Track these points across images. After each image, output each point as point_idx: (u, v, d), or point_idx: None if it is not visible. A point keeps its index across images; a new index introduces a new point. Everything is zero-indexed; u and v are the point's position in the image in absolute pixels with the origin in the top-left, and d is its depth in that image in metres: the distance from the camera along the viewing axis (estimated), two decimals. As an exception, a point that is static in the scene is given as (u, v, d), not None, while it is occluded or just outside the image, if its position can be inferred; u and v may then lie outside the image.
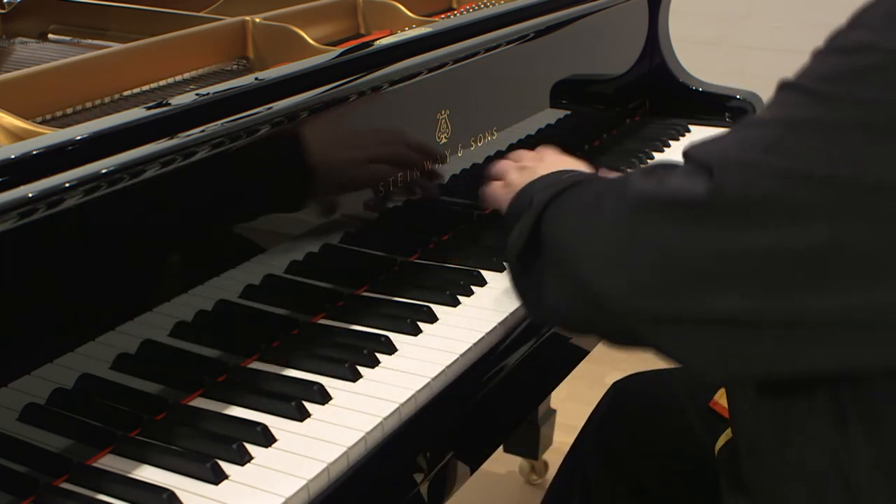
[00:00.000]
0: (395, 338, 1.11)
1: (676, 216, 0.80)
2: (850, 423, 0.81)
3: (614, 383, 1.46)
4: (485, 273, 1.26)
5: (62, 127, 0.95)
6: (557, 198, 0.97)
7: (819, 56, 0.82)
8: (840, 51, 0.80)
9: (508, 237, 1.02)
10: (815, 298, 0.75)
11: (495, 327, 1.15)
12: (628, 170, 0.94)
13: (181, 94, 1.03)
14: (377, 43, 1.26)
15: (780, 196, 0.75)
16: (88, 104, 1.14)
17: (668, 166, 0.86)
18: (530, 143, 1.55)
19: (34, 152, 0.87)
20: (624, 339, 0.93)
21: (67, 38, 1.45)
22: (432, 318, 1.16)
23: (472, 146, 1.40)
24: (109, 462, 0.93)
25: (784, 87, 0.83)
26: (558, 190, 0.98)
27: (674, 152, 1.73)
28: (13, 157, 0.86)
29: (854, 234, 0.73)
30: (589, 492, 1.39)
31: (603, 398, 1.46)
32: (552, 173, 1.09)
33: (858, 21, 0.80)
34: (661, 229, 0.81)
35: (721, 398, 1.18)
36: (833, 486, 0.84)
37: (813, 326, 0.77)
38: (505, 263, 1.05)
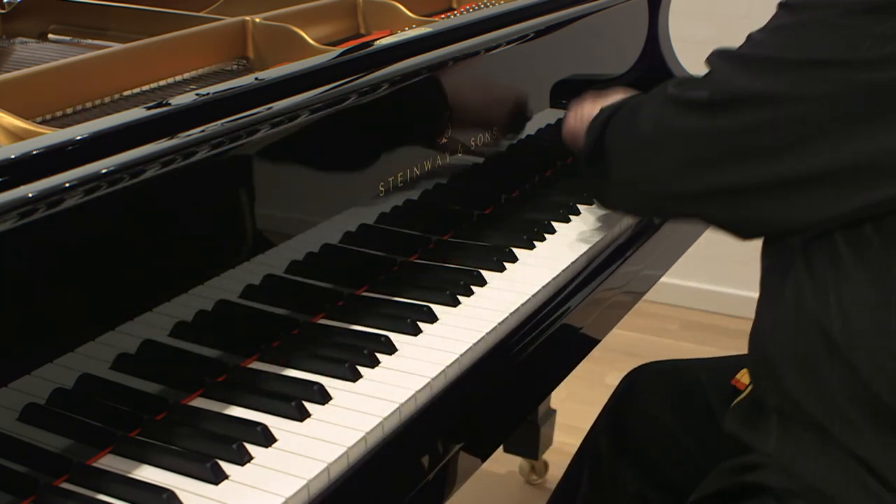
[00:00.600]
0: (395, 338, 1.11)
1: (691, 113, 1.04)
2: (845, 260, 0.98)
3: (630, 372, 1.47)
4: (485, 273, 1.26)
5: (62, 127, 0.95)
6: (617, 111, 1.20)
7: None
8: None
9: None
10: (809, 157, 0.96)
11: (495, 327, 1.15)
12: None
13: (181, 94, 1.03)
14: (377, 43, 1.26)
15: (760, 85, 0.98)
16: (88, 104, 1.14)
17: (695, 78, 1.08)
18: (530, 142, 1.55)
19: (34, 152, 0.87)
20: (669, 214, 1.27)
21: (67, 38, 1.45)
22: (432, 318, 1.16)
23: (472, 146, 1.40)
24: (109, 462, 0.93)
25: (778, 5, 1.03)
26: (619, 105, 1.21)
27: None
28: (13, 157, 0.86)
29: (809, 105, 0.95)
30: (599, 470, 1.41)
31: (620, 383, 1.47)
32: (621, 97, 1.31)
33: None
34: (683, 125, 1.05)
35: (743, 376, 1.23)
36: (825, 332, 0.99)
37: (818, 180, 0.96)
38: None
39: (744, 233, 1.08)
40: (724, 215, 1.06)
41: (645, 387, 1.44)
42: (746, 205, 1.03)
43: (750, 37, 1.03)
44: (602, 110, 1.24)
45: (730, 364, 1.30)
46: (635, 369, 1.49)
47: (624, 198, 1.21)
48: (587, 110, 1.34)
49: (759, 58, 1.00)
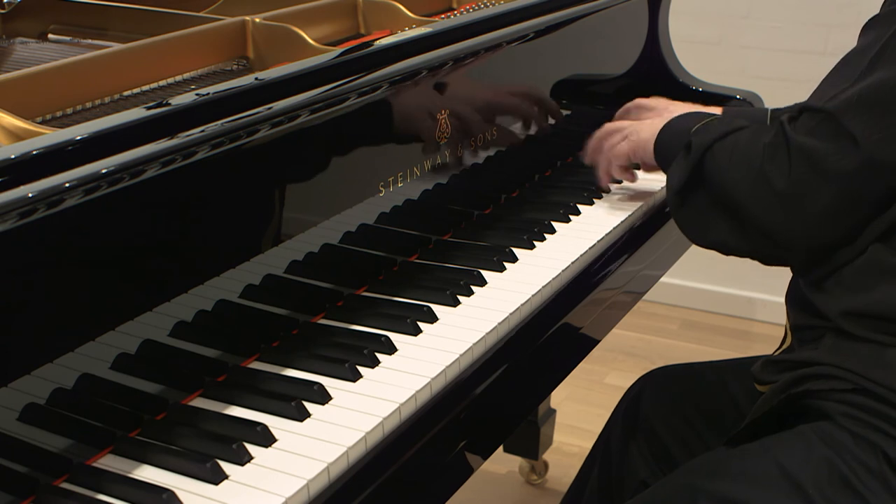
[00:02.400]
0: (395, 338, 1.11)
1: (835, 180, 1.07)
2: None
3: (648, 372, 1.50)
4: (485, 273, 1.26)
5: (62, 127, 0.95)
6: (720, 142, 1.18)
7: None
8: None
9: (668, 173, 1.26)
10: None
11: (495, 327, 1.15)
12: (781, 116, 1.16)
13: (181, 94, 1.03)
14: (377, 43, 1.26)
15: None
16: (88, 104, 1.14)
17: (818, 116, 1.09)
18: (530, 142, 1.55)
19: (34, 152, 0.87)
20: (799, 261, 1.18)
21: (67, 38, 1.45)
22: (432, 318, 1.16)
23: (472, 146, 1.41)
24: (109, 462, 0.93)
25: (864, 28, 1.12)
26: (720, 134, 1.19)
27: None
28: (13, 157, 0.86)
29: None
30: (609, 458, 1.42)
31: (634, 383, 1.49)
32: (695, 113, 1.35)
33: None
34: (826, 188, 1.07)
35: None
36: None
37: None
38: (668, 196, 1.25)
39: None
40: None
41: (659, 384, 1.46)
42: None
43: (870, 75, 1.07)
44: (677, 129, 1.28)
45: (751, 363, 1.31)
46: (649, 372, 1.50)
47: (742, 245, 1.18)
48: (630, 126, 1.41)
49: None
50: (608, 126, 1.50)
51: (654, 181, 1.56)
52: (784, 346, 1.23)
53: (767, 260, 1.19)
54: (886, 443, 1.04)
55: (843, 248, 1.11)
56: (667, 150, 1.32)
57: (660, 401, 1.43)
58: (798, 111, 1.12)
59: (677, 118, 1.35)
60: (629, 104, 1.60)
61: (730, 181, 1.15)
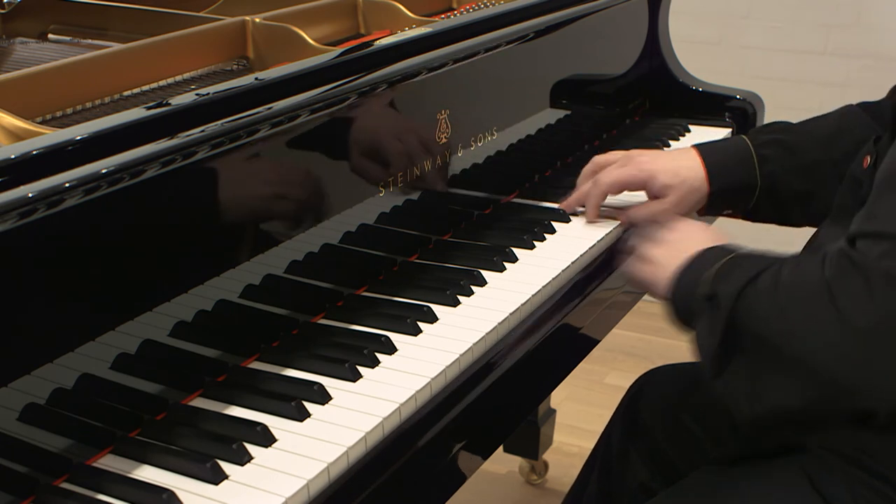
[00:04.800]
0: (395, 338, 1.11)
1: None
2: None
3: (646, 372, 1.49)
4: (485, 273, 1.26)
5: (62, 127, 0.95)
6: (752, 285, 0.97)
7: None
8: None
9: (695, 335, 1.04)
10: None
11: (495, 327, 1.15)
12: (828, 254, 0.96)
13: (181, 94, 1.03)
14: (377, 43, 1.26)
15: None
16: (88, 104, 1.14)
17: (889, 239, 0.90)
18: (530, 142, 1.55)
19: (34, 152, 0.87)
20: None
21: (67, 38, 1.45)
22: (432, 318, 1.16)
23: (472, 146, 1.41)
24: (109, 462, 0.93)
25: None
26: (747, 279, 0.98)
27: (674, 152, 1.73)
28: (13, 157, 0.86)
29: None
30: (609, 462, 1.42)
31: (634, 383, 1.49)
32: (708, 252, 1.09)
33: None
34: None
35: None
36: None
37: None
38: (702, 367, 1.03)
39: None
40: None
41: (658, 384, 1.45)
42: None
43: None
44: (691, 276, 1.07)
45: None
46: (649, 371, 1.50)
47: (807, 407, 0.95)
48: (656, 253, 1.18)
49: None
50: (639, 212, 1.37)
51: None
52: None
53: (844, 418, 0.96)
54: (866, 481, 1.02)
55: None
56: (685, 306, 1.09)
57: (655, 403, 1.42)
58: (851, 240, 0.94)
59: (691, 261, 1.10)
60: (592, 167, 1.43)
61: (783, 330, 0.94)
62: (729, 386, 1.00)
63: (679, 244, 1.16)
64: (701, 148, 1.41)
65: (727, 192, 1.39)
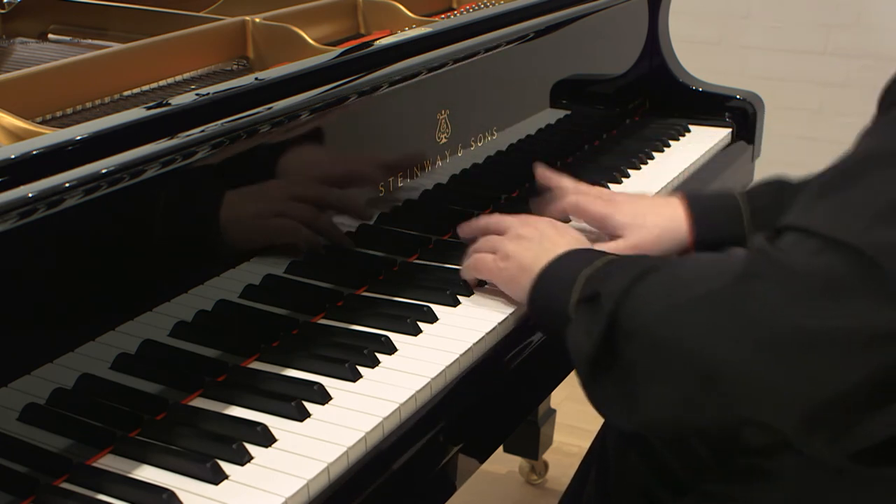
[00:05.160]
0: (395, 338, 1.11)
1: (854, 312, 0.75)
2: None
3: None
4: (485, 273, 1.26)
5: (62, 127, 0.95)
6: (639, 285, 0.87)
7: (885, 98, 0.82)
8: None
9: (569, 337, 0.94)
10: None
11: (495, 327, 1.15)
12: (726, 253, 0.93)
13: (181, 94, 1.03)
14: (377, 43, 1.26)
15: None
16: (88, 104, 1.14)
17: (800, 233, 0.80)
18: (530, 142, 1.55)
19: (34, 152, 0.87)
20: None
21: (67, 38, 1.45)
22: (432, 318, 1.16)
23: (472, 146, 1.41)
24: (109, 462, 0.93)
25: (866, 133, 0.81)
26: (634, 276, 0.88)
27: (674, 152, 1.73)
28: (13, 157, 0.86)
29: None
30: (606, 466, 1.41)
31: None
32: (582, 252, 1.03)
33: None
34: (840, 326, 0.75)
35: None
36: None
37: None
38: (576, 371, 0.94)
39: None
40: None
41: None
42: None
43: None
44: (564, 274, 0.99)
45: None
46: None
47: (705, 411, 0.84)
48: (511, 248, 1.12)
49: None
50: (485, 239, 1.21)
51: (653, 181, 1.56)
52: None
53: (738, 432, 0.84)
54: None
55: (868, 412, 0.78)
56: (547, 303, 1.01)
57: None
58: (778, 231, 0.83)
59: (559, 259, 1.03)
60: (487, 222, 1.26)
61: (675, 333, 0.83)
62: (605, 392, 0.91)
63: (542, 242, 1.10)
64: (689, 196, 1.29)
65: (713, 241, 1.25)
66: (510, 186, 1.54)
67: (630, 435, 1.40)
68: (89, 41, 1.42)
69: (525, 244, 1.13)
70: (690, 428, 0.89)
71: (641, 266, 0.90)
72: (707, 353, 0.80)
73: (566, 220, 1.32)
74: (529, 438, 2.18)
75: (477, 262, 1.19)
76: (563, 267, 1.02)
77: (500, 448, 2.09)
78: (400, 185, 1.27)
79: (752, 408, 0.80)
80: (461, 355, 1.09)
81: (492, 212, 1.48)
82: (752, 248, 0.82)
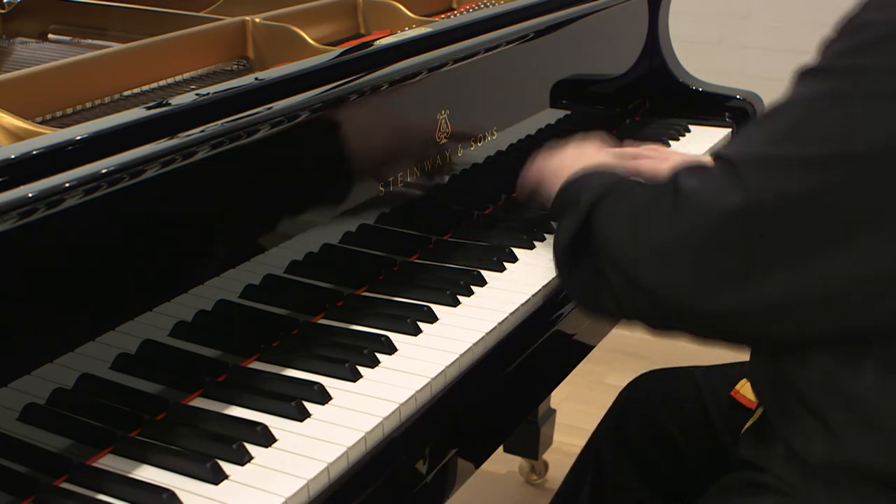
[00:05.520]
0: (395, 338, 1.11)
1: (725, 222, 0.91)
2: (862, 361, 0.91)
3: (634, 379, 1.47)
4: (485, 273, 1.26)
5: (62, 127, 0.95)
6: (606, 197, 1.03)
7: (827, 43, 0.93)
8: (844, 33, 0.91)
9: (555, 230, 1.12)
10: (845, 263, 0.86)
11: (495, 327, 1.15)
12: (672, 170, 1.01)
13: (181, 94, 1.04)
14: (377, 43, 1.26)
15: (799, 188, 0.87)
16: (88, 104, 1.14)
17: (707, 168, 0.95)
18: (530, 143, 1.55)
19: (34, 152, 0.87)
20: (669, 329, 1.03)
21: (67, 38, 1.45)
22: (432, 318, 1.16)
23: (472, 146, 1.41)
24: (109, 462, 0.93)
25: (799, 75, 0.93)
26: (605, 189, 1.04)
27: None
28: (13, 157, 0.86)
29: (867, 199, 0.85)
30: (601, 477, 1.40)
31: (622, 391, 1.47)
32: (595, 170, 1.15)
33: (860, 5, 0.91)
34: (709, 234, 0.92)
35: (742, 388, 1.23)
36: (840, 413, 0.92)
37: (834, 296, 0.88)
38: (553, 257, 1.12)
39: (753, 344, 1.04)
40: (747, 330, 0.97)
41: (647, 394, 1.42)
42: (778, 319, 0.92)
43: (777, 123, 0.92)
44: (574, 186, 1.12)
45: (730, 373, 1.29)
46: (637, 378, 1.49)
47: (626, 305, 1.01)
48: (555, 166, 1.26)
49: (797, 158, 0.87)
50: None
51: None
52: (756, 416, 1.12)
53: (658, 324, 1.02)
54: None
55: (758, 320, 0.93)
56: (561, 205, 1.15)
57: (642, 411, 1.39)
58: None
59: (580, 175, 1.15)
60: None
61: (612, 236, 1.00)
62: (570, 280, 1.10)
63: (581, 157, 1.26)
64: None
65: None
66: (510, 186, 1.54)
67: (620, 444, 1.39)
68: (89, 41, 1.42)
69: (564, 159, 1.29)
70: (625, 317, 1.05)
71: (612, 181, 1.07)
72: (622, 256, 0.99)
73: None
74: (529, 438, 2.18)
75: (534, 163, 1.34)
76: (580, 180, 1.14)
77: (500, 448, 2.10)
78: (400, 185, 1.27)
79: (654, 300, 0.97)
80: (461, 355, 1.09)
81: (492, 212, 1.48)
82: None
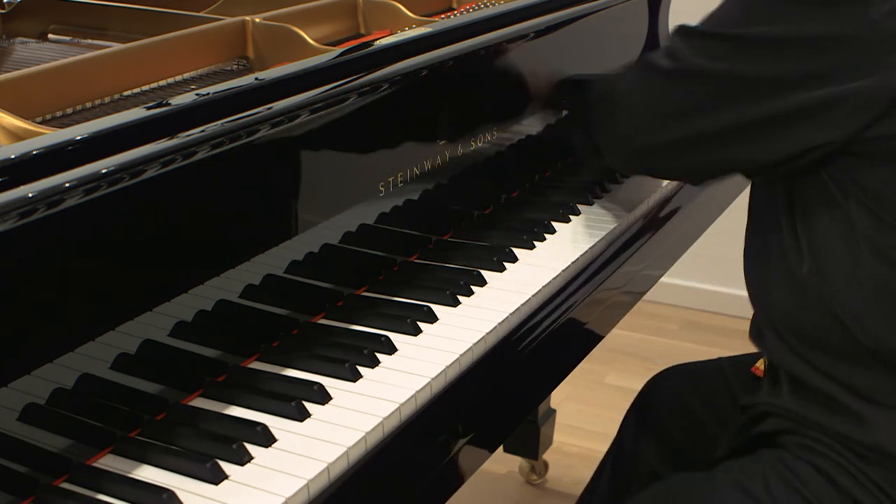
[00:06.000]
0: (395, 338, 1.11)
1: (655, 77, 1.19)
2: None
3: (661, 371, 1.54)
4: (485, 273, 1.26)
5: (62, 127, 0.95)
6: (600, 81, 1.40)
7: None
8: None
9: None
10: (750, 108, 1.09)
11: (495, 327, 1.15)
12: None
13: (181, 94, 1.03)
14: (377, 43, 1.26)
15: (713, 65, 1.12)
16: (88, 104, 1.14)
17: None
18: (531, 142, 1.55)
19: (34, 152, 0.87)
20: (636, 167, 1.36)
21: (67, 38, 1.45)
22: (432, 318, 1.16)
23: (472, 146, 1.40)
24: (109, 462, 0.93)
25: None
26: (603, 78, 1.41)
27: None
28: (13, 157, 0.86)
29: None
30: (621, 451, 1.45)
31: (648, 381, 1.53)
32: None
33: None
34: (649, 85, 1.20)
35: (761, 363, 1.33)
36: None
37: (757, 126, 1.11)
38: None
39: (698, 179, 1.38)
40: (683, 164, 1.21)
41: (670, 382, 1.49)
42: (704, 151, 1.16)
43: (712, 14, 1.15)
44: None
45: (750, 359, 1.37)
46: (660, 372, 1.53)
47: (608, 148, 1.31)
48: None
49: (715, 37, 1.12)
50: None
51: (654, 181, 1.56)
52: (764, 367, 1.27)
53: (627, 163, 1.34)
54: (841, 474, 1.09)
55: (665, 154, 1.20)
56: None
57: (668, 397, 1.45)
58: None
59: None
60: None
61: (592, 103, 1.36)
62: (577, 138, 1.48)
63: None
64: None
65: None
66: (510, 186, 1.54)
67: (642, 425, 1.44)
68: (89, 41, 1.42)
69: None
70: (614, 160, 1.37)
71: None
72: (604, 117, 1.32)
73: None
74: (529, 438, 2.18)
75: None
76: None
77: (501, 448, 2.10)
78: (400, 185, 1.27)
79: (617, 150, 1.29)
80: (461, 355, 1.09)
81: (492, 212, 1.48)
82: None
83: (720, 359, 1.47)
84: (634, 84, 1.24)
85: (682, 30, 1.17)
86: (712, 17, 1.13)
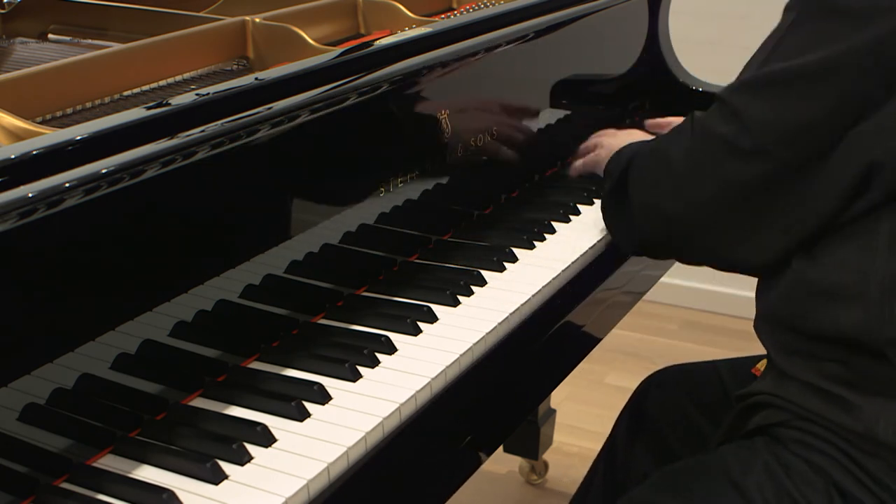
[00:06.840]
0: (395, 338, 1.11)
1: (727, 154, 1.09)
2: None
3: (655, 371, 1.52)
4: (485, 273, 1.26)
5: (62, 127, 0.95)
6: (641, 148, 1.24)
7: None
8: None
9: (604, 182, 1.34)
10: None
11: (495, 327, 1.15)
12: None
13: (181, 94, 1.03)
14: (377, 43, 1.26)
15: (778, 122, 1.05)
16: (88, 104, 1.14)
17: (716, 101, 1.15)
18: (531, 142, 1.55)
19: (34, 152, 0.87)
20: (688, 256, 1.22)
21: (67, 38, 1.45)
22: (432, 318, 1.16)
23: (472, 146, 1.40)
24: (109, 462, 0.93)
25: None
26: (643, 143, 1.28)
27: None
28: (13, 157, 0.86)
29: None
30: (614, 455, 1.44)
31: (641, 383, 1.51)
32: (636, 142, 1.34)
33: None
34: (718, 163, 1.09)
35: (762, 365, 1.29)
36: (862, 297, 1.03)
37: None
38: (601, 209, 1.34)
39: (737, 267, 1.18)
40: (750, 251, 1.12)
41: (665, 383, 1.48)
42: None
43: (770, 58, 1.08)
44: (624, 147, 1.30)
45: (750, 361, 1.35)
46: (655, 372, 1.52)
47: (650, 231, 1.20)
48: (606, 143, 1.47)
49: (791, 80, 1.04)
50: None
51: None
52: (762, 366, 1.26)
53: (674, 252, 1.23)
54: (833, 467, 1.07)
55: (746, 247, 1.11)
56: (609, 168, 1.34)
57: (662, 399, 1.44)
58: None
59: (628, 144, 1.34)
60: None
61: (639, 179, 1.21)
62: (612, 223, 1.31)
63: (623, 137, 1.48)
64: None
65: None
66: (510, 186, 1.54)
67: (636, 427, 1.43)
68: (89, 41, 1.42)
69: (610, 140, 1.52)
70: (661, 249, 1.25)
71: (651, 141, 1.27)
72: (644, 190, 1.20)
73: None
74: (529, 438, 2.18)
75: (582, 160, 1.58)
76: (627, 147, 1.32)
77: (501, 448, 2.10)
78: (400, 185, 1.27)
79: (672, 234, 1.17)
80: (461, 355, 1.09)
81: (492, 212, 1.48)
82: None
83: (715, 361, 1.46)
84: (697, 156, 1.13)
85: (746, 87, 1.11)
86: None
